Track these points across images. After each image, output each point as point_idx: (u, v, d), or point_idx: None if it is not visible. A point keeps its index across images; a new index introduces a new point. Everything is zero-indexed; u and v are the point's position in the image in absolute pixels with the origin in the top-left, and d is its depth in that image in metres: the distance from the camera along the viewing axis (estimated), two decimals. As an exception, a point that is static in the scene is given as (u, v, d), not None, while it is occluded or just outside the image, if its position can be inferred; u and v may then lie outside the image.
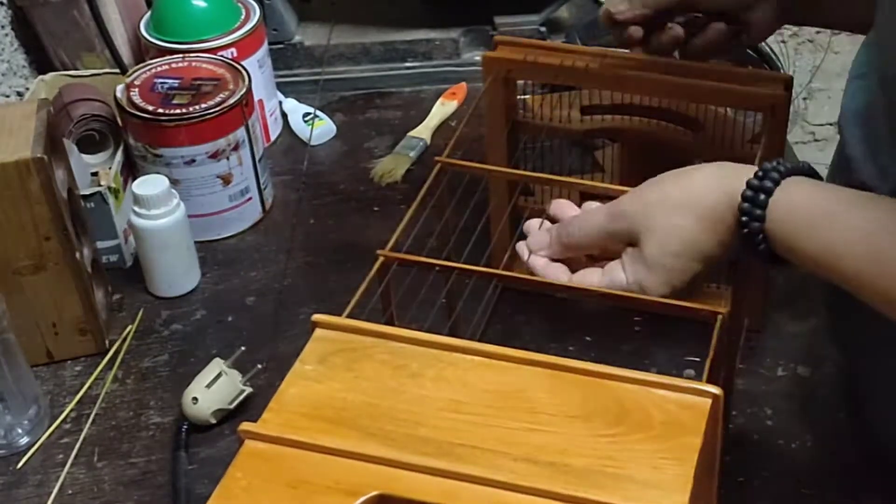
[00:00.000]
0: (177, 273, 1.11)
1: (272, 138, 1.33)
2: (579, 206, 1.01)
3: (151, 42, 1.26)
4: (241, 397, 0.97)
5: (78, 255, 1.01)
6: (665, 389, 0.65)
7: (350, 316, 0.72)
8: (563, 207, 0.84)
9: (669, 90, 0.94)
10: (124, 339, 1.07)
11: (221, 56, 1.21)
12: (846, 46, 2.07)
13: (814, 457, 0.91)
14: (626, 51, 0.96)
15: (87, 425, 0.98)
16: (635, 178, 0.81)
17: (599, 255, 0.82)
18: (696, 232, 0.74)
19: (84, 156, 1.17)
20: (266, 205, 1.22)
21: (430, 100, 1.37)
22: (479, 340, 0.71)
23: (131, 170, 1.17)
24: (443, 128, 1.33)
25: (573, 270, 0.81)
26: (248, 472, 0.63)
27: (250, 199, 1.19)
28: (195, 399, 0.96)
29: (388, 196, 1.23)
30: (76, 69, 1.30)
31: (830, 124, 2.27)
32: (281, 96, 1.36)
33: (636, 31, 0.94)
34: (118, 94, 1.15)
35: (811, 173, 0.74)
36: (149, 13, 1.30)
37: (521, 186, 0.98)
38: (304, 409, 0.66)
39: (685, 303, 0.74)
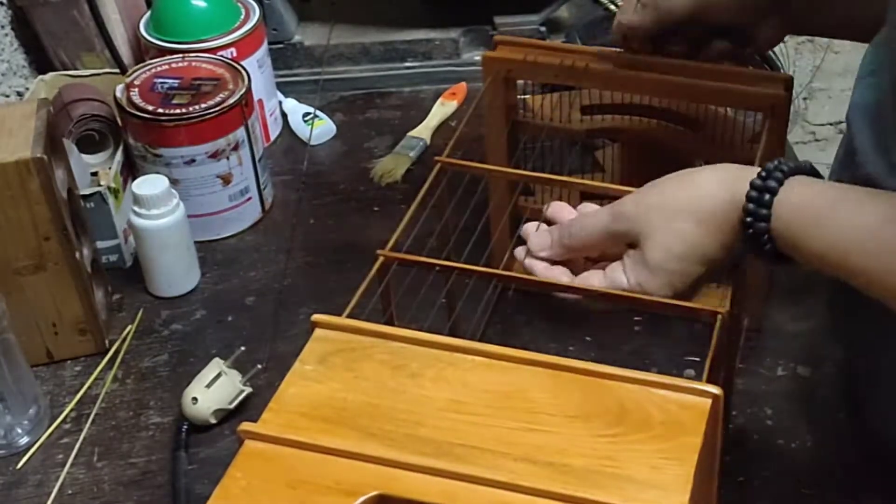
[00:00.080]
0: (176, 273, 1.11)
1: (272, 138, 1.33)
2: (580, 204, 1.01)
3: (151, 42, 1.26)
4: (241, 397, 0.97)
5: (78, 255, 1.01)
6: (665, 389, 0.65)
7: (350, 316, 0.72)
8: (560, 210, 0.84)
9: (669, 90, 0.94)
10: (124, 339, 1.07)
11: (221, 56, 1.21)
12: (846, 46, 2.07)
13: (814, 457, 0.91)
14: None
15: (87, 425, 0.98)
16: (635, 178, 0.81)
17: (599, 257, 0.82)
18: (699, 236, 0.74)
19: (84, 156, 1.17)
20: (266, 205, 1.22)
21: (430, 100, 1.37)
22: (479, 340, 0.71)
23: (131, 170, 1.17)
24: (443, 128, 1.33)
25: (573, 273, 0.81)
26: (248, 472, 0.63)
27: (250, 198, 1.19)
28: (195, 399, 0.96)
29: (388, 196, 1.23)
30: (76, 69, 1.30)
31: (831, 124, 2.27)
32: (281, 96, 1.36)
33: (646, 46, 0.94)
34: (118, 94, 1.15)
35: (813, 172, 0.74)
36: (148, 13, 1.30)
37: (521, 186, 0.98)
38: (303, 409, 0.66)
39: (685, 303, 0.74)
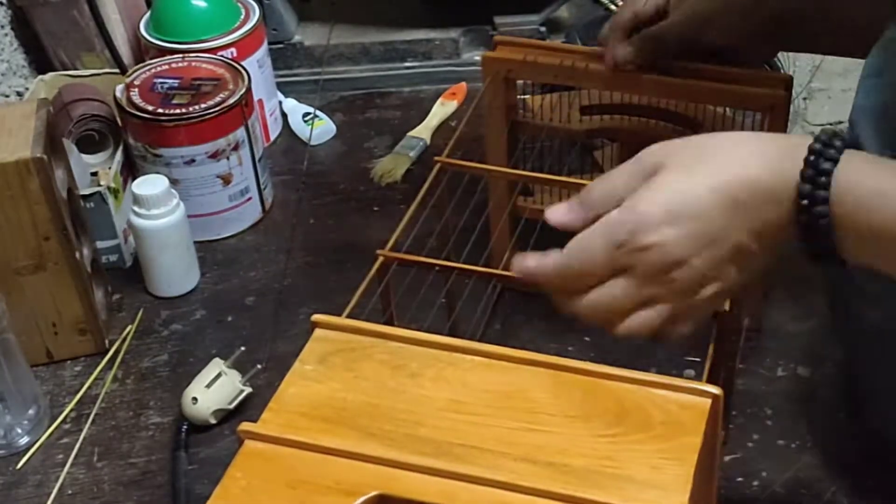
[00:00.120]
0: (176, 273, 1.11)
1: (272, 138, 1.33)
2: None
3: (151, 42, 1.26)
4: (241, 397, 0.97)
5: (78, 255, 1.01)
6: (665, 389, 0.65)
7: (350, 316, 0.72)
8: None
9: (669, 90, 0.94)
10: (124, 339, 1.07)
11: (221, 56, 1.21)
12: (846, 46, 2.07)
13: (814, 457, 0.91)
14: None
15: (87, 425, 0.98)
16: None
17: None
18: (724, 168, 0.66)
19: (84, 156, 1.17)
20: (266, 205, 1.22)
21: (430, 100, 1.37)
22: (479, 340, 0.71)
23: (131, 170, 1.17)
24: (443, 128, 1.33)
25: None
26: (248, 472, 0.63)
27: (250, 199, 1.19)
28: (195, 399, 0.96)
29: (387, 196, 1.23)
30: (76, 69, 1.30)
31: (830, 124, 2.27)
32: (281, 96, 1.36)
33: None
34: (118, 94, 1.15)
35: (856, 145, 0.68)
36: (148, 13, 1.30)
37: (520, 186, 0.98)
38: (303, 409, 0.66)
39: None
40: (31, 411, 0.98)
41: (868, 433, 0.91)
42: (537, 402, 0.65)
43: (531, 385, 0.67)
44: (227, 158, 1.15)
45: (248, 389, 0.98)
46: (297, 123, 1.35)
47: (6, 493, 0.93)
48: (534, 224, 0.94)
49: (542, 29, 1.40)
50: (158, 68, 1.19)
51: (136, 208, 1.07)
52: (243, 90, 1.15)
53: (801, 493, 0.89)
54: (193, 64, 1.19)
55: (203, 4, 1.27)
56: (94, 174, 1.19)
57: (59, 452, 0.96)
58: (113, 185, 1.11)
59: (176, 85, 1.16)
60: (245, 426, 0.65)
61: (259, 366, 0.99)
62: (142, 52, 1.30)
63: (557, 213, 0.70)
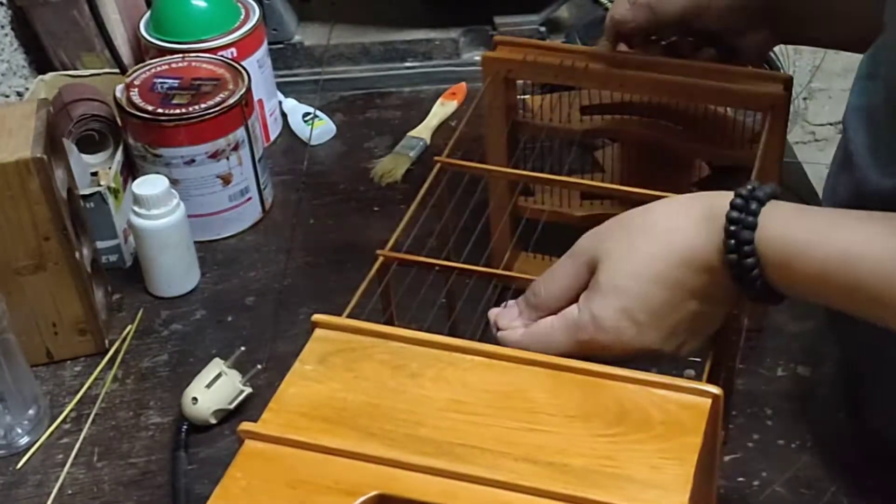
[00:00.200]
0: (176, 273, 1.11)
1: (272, 138, 1.33)
2: (580, 204, 1.01)
3: (151, 42, 1.26)
4: (241, 397, 0.97)
5: (77, 255, 1.01)
6: (665, 389, 0.65)
7: (350, 316, 0.72)
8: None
9: (669, 90, 0.94)
10: (124, 339, 1.07)
11: (221, 56, 1.21)
12: (846, 46, 2.07)
13: (814, 457, 0.91)
14: (626, 50, 0.96)
15: (87, 425, 0.98)
16: (635, 178, 0.81)
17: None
18: (654, 250, 0.69)
19: (84, 156, 1.17)
20: (266, 205, 1.22)
21: (430, 100, 1.37)
22: (479, 340, 0.71)
23: (131, 170, 1.17)
24: (443, 128, 1.33)
25: None
26: (248, 472, 0.63)
27: (250, 199, 1.19)
28: (195, 399, 0.96)
29: (388, 196, 1.23)
30: (76, 69, 1.30)
31: (830, 124, 2.27)
32: (281, 96, 1.36)
33: (634, 42, 0.95)
34: (118, 94, 1.15)
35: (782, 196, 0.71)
36: (148, 13, 1.30)
37: (520, 186, 0.98)
38: (303, 409, 0.66)
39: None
40: (31, 411, 0.98)
41: (868, 433, 0.91)
42: (537, 402, 0.65)
43: (531, 385, 0.67)
44: (227, 158, 1.15)
45: (248, 389, 0.98)
46: (297, 123, 1.34)
47: (6, 493, 0.93)
48: (534, 224, 0.94)
49: (542, 29, 1.40)
50: (158, 68, 1.19)
51: (136, 208, 1.07)
52: (243, 90, 1.15)
53: (801, 493, 0.89)
54: (193, 64, 1.19)
55: (203, 4, 1.27)
56: (94, 174, 1.19)
57: (59, 452, 0.96)
58: (113, 185, 1.11)
59: (176, 85, 1.16)
60: (245, 426, 0.65)
61: (259, 366, 0.99)
62: (142, 52, 1.30)
63: (506, 319, 0.75)
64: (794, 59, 2.12)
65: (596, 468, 0.61)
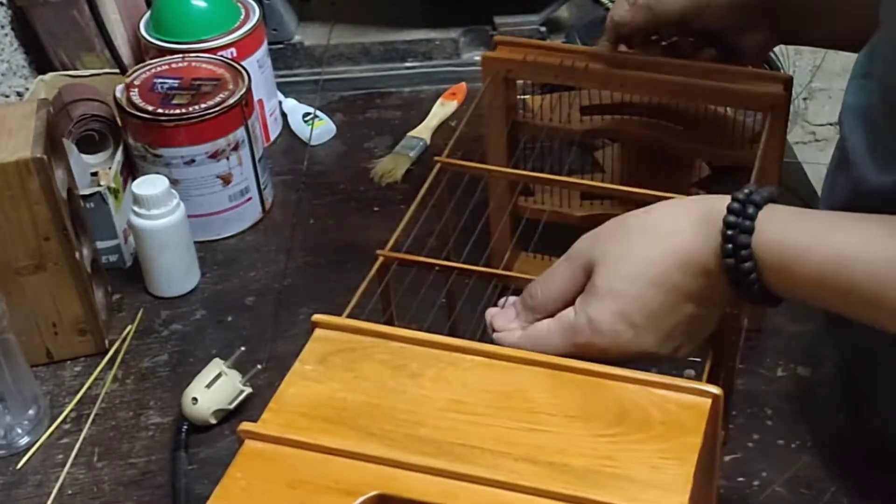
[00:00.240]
0: (176, 273, 1.11)
1: (272, 138, 1.33)
2: (580, 204, 1.01)
3: (151, 42, 1.26)
4: (241, 397, 0.97)
5: (78, 255, 1.01)
6: (665, 389, 0.65)
7: (350, 316, 0.72)
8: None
9: (669, 90, 0.94)
10: (124, 339, 1.07)
11: (221, 56, 1.21)
12: (846, 46, 2.07)
13: (814, 457, 0.91)
14: (627, 50, 0.96)
15: (87, 425, 0.98)
16: (635, 178, 0.81)
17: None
18: (653, 253, 0.69)
19: (84, 156, 1.17)
20: (266, 205, 1.22)
21: (430, 100, 1.37)
22: (479, 340, 0.71)
23: (131, 170, 1.17)
24: (443, 128, 1.33)
25: None
26: (248, 472, 0.63)
27: (250, 199, 1.19)
28: (195, 399, 0.96)
29: (388, 196, 1.23)
30: (76, 69, 1.30)
31: (830, 124, 2.27)
32: (281, 96, 1.36)
33: (634, 42, 0.95)
34: (118, 94, 1.15)
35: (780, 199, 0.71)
36: (148, 13, 1.30)
37: (520, 186, 0.98)
38: (303, 409, 0.66)
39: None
40: (31, 411, 0.98)
41: (868, 433, 0.91)
42: (537, 402, 0.65)
43: (531, 385, 0.67)
44: (227, 158, 1.15)
45: (248, 389, 0.98)
46: (297, 123, 1.34)
47: (6, 493, 0.93)
48: (534, 224, 0.94)
49: (542, 29, 1.40)
50: (158, 68, 1.19)
51: (136, 208, 1.07)
52: (243, 90, 1.15)
53: (801, 493, 0.89)
54: (193, 64, 1.19)
55: (203, 4, 1.27)
56: (94, 174, 1.19)
57: (59, 452, 0.96)
58: (113, 185, 1.11)
59: (176, 85, 1.16)
60: (245, 426, 0.65)
61: (259, 366, 0.99)
62: (142, 52, 1.30)
63: (503, 320, 0.75)
64: (794, 59, 2.12)
65: (596, 468, 0.61)
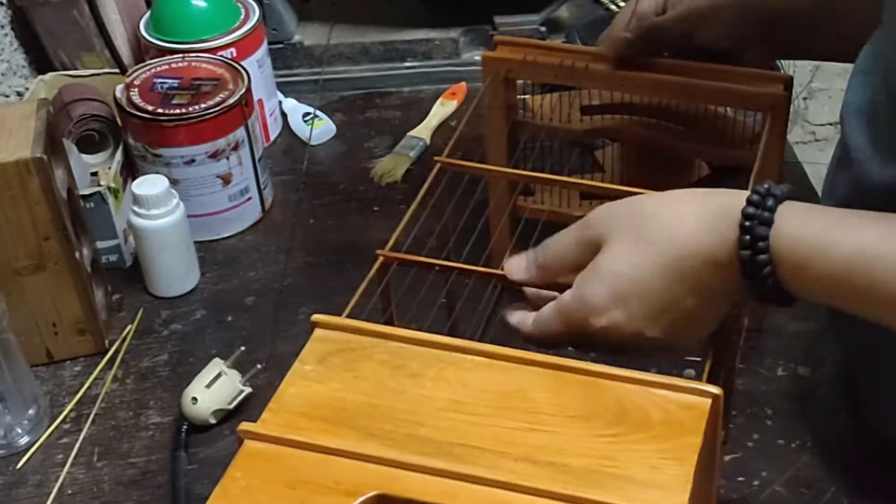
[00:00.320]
0: (176, 273, 1.11)
1: (272, 138, 1.33)
2: (579, 204, 1.01)
3: (151, 42, 1.26)
4: (241, 397, 0.97)
5: (77, 255, 1.01)
6: (665, 389, 0.65)
7: (350, 316, 0.72)
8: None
9: (669, 90, 0.94)
10: (124, 339, 1.07)
11: (221, 56, 1.21)
12: (846, 46, 2.06)
13: (814, 457, 0.91)
14: None
15: (87, 425, 0.98)
16: (635, 178, 0.81)
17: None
18: (664, 247, 0.69)
19: (84, 156, 1.17)
20: (266, 205, 1.22)
21: (430, 100, 1.37)
22: (479, 340, 0.71)
23: (131, 170, 1.17)
24: (443, 128, 1.33)
25: None
26: (248, 472, 0.63)
27: (250, 198, 1.19)
28: (195, 399, 0.96)
29: (387, 196, 1.23)
30: (76, 69, 1.30)
31: (831, 124, 2.27)
32: (281, 96, 1.36)
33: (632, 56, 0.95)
34: (118, 94, 1.15)
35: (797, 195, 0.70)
36: (148, 13, 1.30)
37: (520, 186, 0.98)
38: (303, 409, 0.66)
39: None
40: (31, 411, 0.98)
41: (868, 433, 0.91)
42: (537, 402, 0.65)
43: (531, 385, 0.67)
44: (227, 158, 1.15)
45: (248, 389, 0.98)
46: (297, 123, 1.34)
47: (6, 493, 0.93)
48: (534, 224, 0.94)
49: (542, 29, 1.40)
50: (158, 68, 1.19)
51: (136, 208, 1.07)
52: (243, 90, 1.15)
53: (801, 493, 0.89)
54: (193, 64, 1.19)
55: (203, 4, 1.27)
56: (94, 174, 1.19)
57: (59, 452, 0.96)
58: (113, 185, 1.11)
59: (176, 85, 1.16)
60: (245, 426, 0.65)
61: (259, 366, 0.99)
62: (142, 52, 1.30)
63: (516, 270, 0.77)
64: (795, 59, 2.11)
65: (596, 468, 0.61)
